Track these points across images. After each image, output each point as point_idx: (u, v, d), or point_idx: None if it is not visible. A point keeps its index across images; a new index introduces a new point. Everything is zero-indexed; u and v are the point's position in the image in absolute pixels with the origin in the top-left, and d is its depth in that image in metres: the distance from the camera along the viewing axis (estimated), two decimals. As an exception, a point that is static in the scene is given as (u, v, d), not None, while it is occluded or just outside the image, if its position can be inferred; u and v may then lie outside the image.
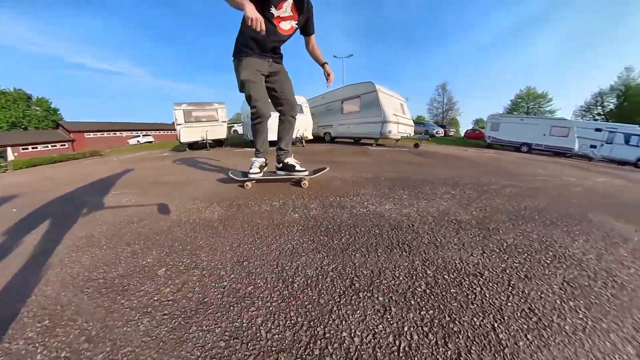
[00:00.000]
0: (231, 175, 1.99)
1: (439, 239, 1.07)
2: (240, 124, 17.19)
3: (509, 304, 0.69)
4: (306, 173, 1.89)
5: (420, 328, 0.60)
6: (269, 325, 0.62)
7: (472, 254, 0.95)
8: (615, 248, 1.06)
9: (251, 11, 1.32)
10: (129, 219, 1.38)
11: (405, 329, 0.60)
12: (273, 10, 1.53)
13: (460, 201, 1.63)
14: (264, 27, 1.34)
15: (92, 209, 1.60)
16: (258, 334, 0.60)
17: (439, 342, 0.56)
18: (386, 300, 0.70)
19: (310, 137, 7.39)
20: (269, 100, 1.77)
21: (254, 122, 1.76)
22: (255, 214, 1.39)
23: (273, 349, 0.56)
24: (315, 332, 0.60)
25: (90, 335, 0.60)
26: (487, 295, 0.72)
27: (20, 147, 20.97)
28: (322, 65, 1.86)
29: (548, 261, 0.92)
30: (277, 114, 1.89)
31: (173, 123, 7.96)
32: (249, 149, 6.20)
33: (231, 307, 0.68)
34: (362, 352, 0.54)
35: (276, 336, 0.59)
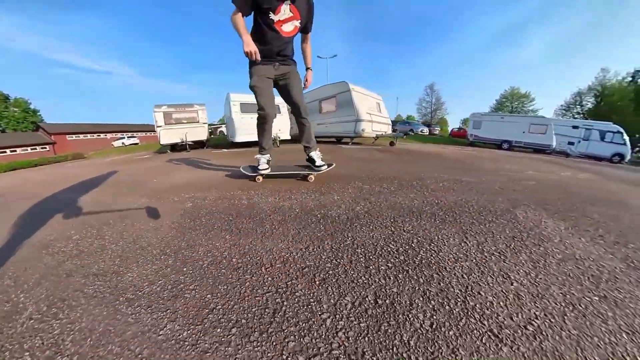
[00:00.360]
0: (242, 170, 2.17)
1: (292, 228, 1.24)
2: (224, 125, 17.17)
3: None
4: (324, 167, 2.03)
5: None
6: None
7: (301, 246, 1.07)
8: (510, 255, 0.97)
9: (246, 45, 1.52)
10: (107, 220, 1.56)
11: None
12: (272, 16, 1.58)
13: (362, 195, 1.73)
14: (259, 57, 1.54)
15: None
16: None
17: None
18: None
19: (287, 137, 7.48)
20: (275, 103, 1.90)
21: (259, 122, 1.92)
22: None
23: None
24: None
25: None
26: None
27: (-3, 151, 20.29)
28: (307, 69, 1.97)
29: (388, 265, 0.91)
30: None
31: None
32: (226, 150, 6.38)
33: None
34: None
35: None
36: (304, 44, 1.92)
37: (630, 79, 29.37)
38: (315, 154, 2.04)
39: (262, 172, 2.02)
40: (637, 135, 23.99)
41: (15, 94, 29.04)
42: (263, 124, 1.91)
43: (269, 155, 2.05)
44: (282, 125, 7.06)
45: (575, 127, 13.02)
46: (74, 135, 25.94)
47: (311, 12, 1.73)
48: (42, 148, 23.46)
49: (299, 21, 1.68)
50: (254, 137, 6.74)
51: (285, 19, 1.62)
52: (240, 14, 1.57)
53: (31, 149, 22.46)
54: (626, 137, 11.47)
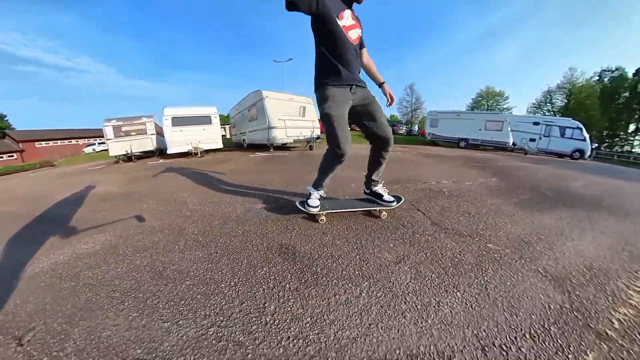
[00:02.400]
0: (299, 206, 1.75)
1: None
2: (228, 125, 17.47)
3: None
4: (394, 204, 1.78)
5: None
6: None
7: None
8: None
9: None
10: None
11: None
12: (338, 21, 1.41)
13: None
14: None
15: None
16: None
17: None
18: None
19: (219, 146, 8.19)
20: (350, 137, 1.55)
21: (333, 161, 1.61)
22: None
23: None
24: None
25: None
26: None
27: (-40, 160, 20.37)
28: (380, 85, 1.71)
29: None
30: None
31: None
32: (162, 160, 6.97)
33: None
34: None
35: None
36: (365, 60, 1.69)
37: (597, 77, 31.62)
38: (382, 189, 1.84)
39: (315, 210, 1.68)
40: (594, 132, 26.11)
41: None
42: (336, 164, 1.62)
43: (323, 192, 1.80)
44: (212, 135, 7.70)
45: (536, 123, 13.16)
46: (43, 142, 26.03)
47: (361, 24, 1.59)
48: (9, 156, 23.54)
49: (360, 30, 1.54)
50: (183, 149, 7.58)
51: (349, 25, 1.46)
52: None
53: (-3, 158, 22.55)
54: (586, 133, 11.61)
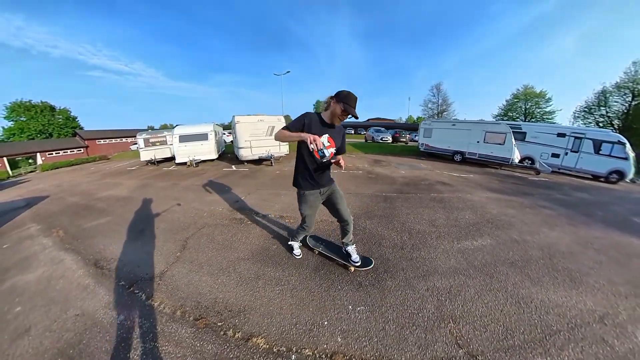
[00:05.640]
0: (295, 243, 2.68)
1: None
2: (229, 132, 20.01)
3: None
4: (357, 263, 2.37)
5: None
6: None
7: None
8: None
9: (307, 136, 1.71)
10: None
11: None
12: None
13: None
14: (319, 143, 1.71)
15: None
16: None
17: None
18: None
19: (214, 157, 10.85)
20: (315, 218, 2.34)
21: (303, 231, 2.41)
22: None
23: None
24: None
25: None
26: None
27: (47, 153, 27.26)
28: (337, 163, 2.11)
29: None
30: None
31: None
32: (174, 167, 9.87)
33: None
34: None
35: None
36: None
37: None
38: (352, 249, 2.44)
39: (298, 255, 2.64)
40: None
41: (54, 99, 37.02)
42: (304, 232, 2.42)
43: (300, 243, 2.70)
44: (206, 150, 10.33)
45: (561, 134, 10.91)
46: (102, 140, 32.90)
47: (344, 137, 2.16)
48: (78, 150, 30.44)
49: (335, 148, 2.07)
50: (186, 159, 10.25)
51: (327, 146, 1.95)
52: (286, 130, 1.90)
53: (70, 152, 29.43)
54: (630, 151, 9.47)
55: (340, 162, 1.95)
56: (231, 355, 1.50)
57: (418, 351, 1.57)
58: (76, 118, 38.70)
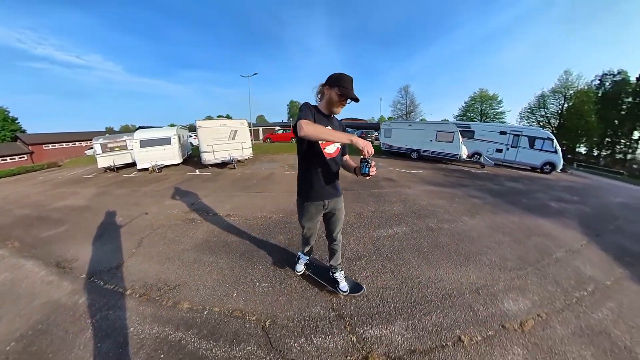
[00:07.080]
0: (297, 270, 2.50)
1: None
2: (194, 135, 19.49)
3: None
4: (346, 292, 2.17)
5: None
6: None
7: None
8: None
9: (355, 138, 1.39)
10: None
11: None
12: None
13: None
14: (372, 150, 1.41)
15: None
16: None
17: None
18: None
19: (178, 162, 10.90)
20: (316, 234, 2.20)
21: (304, 244, 2.31)
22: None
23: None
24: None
25: None
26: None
27: (-21, 161, 24.37)
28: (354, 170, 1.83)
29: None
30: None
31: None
32: (136, 173, 9.74)
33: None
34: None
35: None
36: (345, 164, 2.00)
37: (598, 82, 32.18)
38: (340, 276, 2.24)
39: (299, 272, 2.47)
40: (565, 142, 26.43)
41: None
42: (307, 245, 2.30)
43: (308, 258, 2.45)
44: (170, 155, 10.36)
45: (503, 132, 12.99)
46: (50, 145, 30.06)
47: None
48: (20, 157, 27.53)
49: (340, 145, 1.83)
50: (148, 165, 10.21)
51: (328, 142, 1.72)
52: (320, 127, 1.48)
53: (10, 159, 26.51)
54: (557, 145, 11.42)
55: (372, 170, 1.56)
56: (163, 313, 2.08)
57: (297, 312, 2.04)
58: (16, 120, 34.83)
